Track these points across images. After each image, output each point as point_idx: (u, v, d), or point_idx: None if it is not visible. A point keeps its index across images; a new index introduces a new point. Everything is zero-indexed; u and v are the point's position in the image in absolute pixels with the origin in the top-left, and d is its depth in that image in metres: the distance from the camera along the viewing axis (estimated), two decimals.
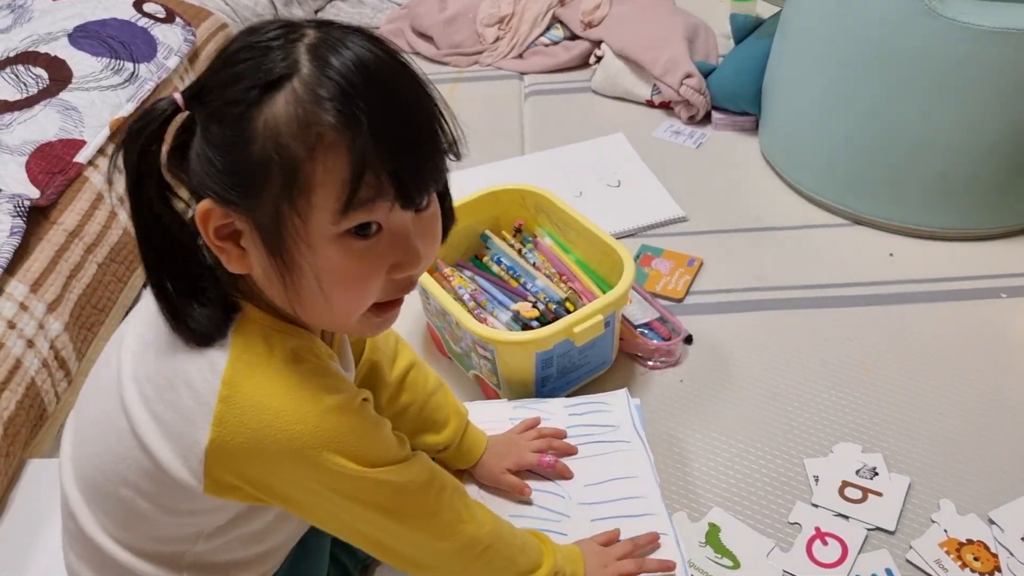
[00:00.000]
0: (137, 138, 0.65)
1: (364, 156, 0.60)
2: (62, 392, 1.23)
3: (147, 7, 1.72)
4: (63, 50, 1.55)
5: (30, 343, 1.17)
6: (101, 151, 1.42)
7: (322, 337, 0.76)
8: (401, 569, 0.81)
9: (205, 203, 0.64)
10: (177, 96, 0.65)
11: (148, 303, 0.72)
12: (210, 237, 0.66)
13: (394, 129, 0.61)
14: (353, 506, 0.73)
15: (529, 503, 1.04)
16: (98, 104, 1.47)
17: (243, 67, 0.62)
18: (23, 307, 1.19)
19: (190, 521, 0.74)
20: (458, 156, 0.68)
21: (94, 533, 0.75)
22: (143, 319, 0.73)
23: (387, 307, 0.71)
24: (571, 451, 1.08)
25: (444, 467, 1.05)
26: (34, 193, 1.30)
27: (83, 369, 1.27)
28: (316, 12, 2.36)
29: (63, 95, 1.47)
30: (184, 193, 0.68)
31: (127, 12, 1.68)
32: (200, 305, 0.69)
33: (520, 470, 1.06)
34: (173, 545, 0.75)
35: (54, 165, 1.34)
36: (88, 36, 1.59)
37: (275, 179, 0.61)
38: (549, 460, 1.06)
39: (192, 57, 1.75)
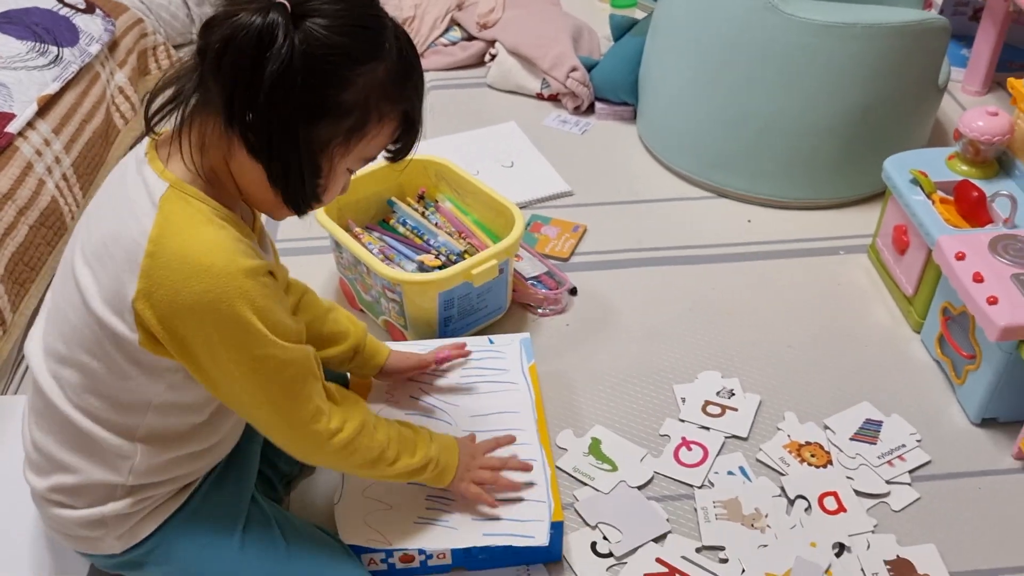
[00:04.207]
0: None
1: None
2: None
3: None
4: None
5: None
6: (30, 124, 1.52)
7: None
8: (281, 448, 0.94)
9: None
10: None
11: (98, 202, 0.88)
12: None
13: None
14: (243, 372, 0.84)
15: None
16: (25, 82, 1.56)
17: None
18: None
19: (135, 386, 0.86)
20: None
21: (60, 403, 0.88)
22: (89, 214, 0.88)
23: None
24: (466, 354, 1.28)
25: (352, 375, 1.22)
26: None
27: (17, 321, 1.37)
28: None
29: None
30: None
31: (48, 2, 1.77)
32: None
33: (422, 370, 1.23)
34: (127, 415, 0.88)
35: None
36: (12, 22, 1.68)
37: None
38: (445, 354, 1.24)
39: (112, 46, 1.85)
